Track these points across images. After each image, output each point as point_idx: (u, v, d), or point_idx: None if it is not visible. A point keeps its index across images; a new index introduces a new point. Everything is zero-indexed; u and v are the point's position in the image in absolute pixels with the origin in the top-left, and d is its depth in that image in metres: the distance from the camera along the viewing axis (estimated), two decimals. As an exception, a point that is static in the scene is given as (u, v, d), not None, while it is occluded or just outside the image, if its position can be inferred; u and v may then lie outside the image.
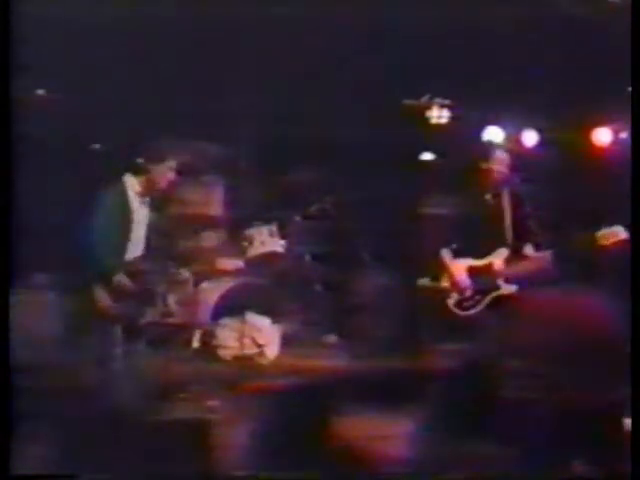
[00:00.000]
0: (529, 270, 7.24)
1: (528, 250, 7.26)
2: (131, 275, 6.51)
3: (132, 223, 6.57)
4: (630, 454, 5.27)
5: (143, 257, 6.62)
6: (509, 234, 7.37)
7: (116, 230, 6.49)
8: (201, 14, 8.37)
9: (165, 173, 6.63)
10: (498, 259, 7.33)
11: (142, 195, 6.59)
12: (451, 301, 7.34)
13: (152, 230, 6.67)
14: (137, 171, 6.61)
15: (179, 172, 6.69)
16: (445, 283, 7.38)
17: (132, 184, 6.61)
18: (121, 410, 5.97)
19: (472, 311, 7.31)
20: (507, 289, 7.29)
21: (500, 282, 7.30)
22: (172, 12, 8.34)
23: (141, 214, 6.62)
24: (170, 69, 8.61)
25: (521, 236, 7.33)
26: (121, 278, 6.44)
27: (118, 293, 6.43)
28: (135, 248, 6.62)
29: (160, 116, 8.63)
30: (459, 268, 7.34)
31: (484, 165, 7.42)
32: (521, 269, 7.27)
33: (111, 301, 6.40)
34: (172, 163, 6.64)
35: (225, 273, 8.44)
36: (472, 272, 7.34)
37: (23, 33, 6.03)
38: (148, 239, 6.66)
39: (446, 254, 7.38)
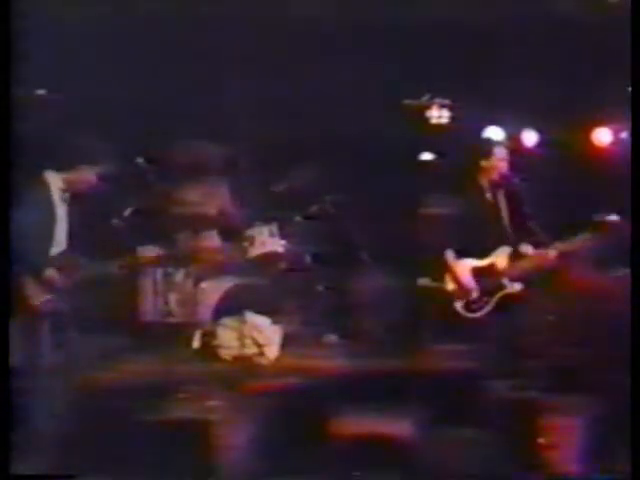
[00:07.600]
0: (528, 269, 7.23)
1: (526, 249, 7.24)
2: (58, 270, 6.53)
3: (55, 219, 6.60)
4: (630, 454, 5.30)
5: (65, 252, 6.63)
6: (508, 233, 7.35)
7: (41, 226, 6.52)
8: (200, 13, 8.37)
9: (88, 176, 6.69)
10: (500, 258, 7.30)
11: (63, 191, 6.63)
12: (459, 304, 7.28)
13: (73, 225, 6.69)
14: (61, 168, 6.64)
15: (102, 178, 6.71)
16: (449, 284, 7.34)
17: (54, 180, 6.64)
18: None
19: (480, 313, 7.27)
20: (513, 288, 7.27)
21: (505, 281, 7.28)
22: (171, 12, 8.35)
23: (62, 210, 6.66)
24: (170, 69, 8.61)
25: (521, 235, 7.32)
26: (51, 272, 6.47)
27: (48, 287, 6.45)
28: (59, 244, 6.65)
29: (160, 116, 8.64)
30: (463, 270, 7.30)
31: (484, 165, 7.42)
32: (520, 268, 7.25)
33: (41, 295, 6.43)
34: (98, 169, 6.69)
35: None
36: (476, 273, 7.31)
37: (23, 33, 6.03)
38: (69, 234, 6.67)
39: (450, 255, 7.34)
